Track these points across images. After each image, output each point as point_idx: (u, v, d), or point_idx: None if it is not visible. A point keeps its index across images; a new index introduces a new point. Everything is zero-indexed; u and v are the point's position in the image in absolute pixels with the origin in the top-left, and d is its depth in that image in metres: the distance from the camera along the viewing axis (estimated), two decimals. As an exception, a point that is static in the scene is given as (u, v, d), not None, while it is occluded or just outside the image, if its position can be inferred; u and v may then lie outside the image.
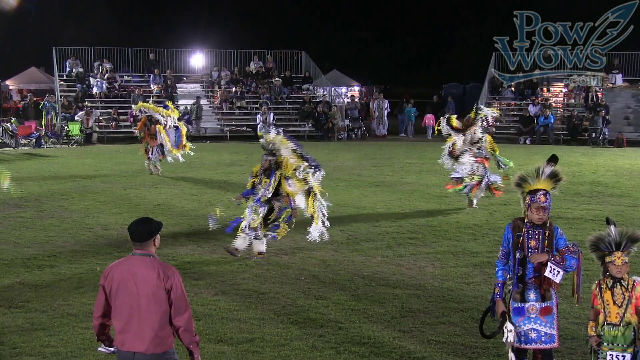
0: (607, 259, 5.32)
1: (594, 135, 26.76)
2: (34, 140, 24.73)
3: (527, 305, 5.48)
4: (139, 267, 4.52)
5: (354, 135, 29.77)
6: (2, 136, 24.61)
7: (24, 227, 11.35)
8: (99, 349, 4.88)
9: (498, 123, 29.28)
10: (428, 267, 9.25)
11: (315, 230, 9.46)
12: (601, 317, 5.26)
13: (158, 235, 4.66)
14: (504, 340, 5.50)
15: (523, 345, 5.52)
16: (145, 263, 4.54)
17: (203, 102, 30.55)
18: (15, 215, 12.28)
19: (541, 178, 5.63)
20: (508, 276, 5.57)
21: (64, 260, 9.35)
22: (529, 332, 5.48)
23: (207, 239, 10.66)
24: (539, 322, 5.48)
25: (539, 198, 5.47)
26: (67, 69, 30.17)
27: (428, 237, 10.92)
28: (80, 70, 29.95)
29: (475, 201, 13.20)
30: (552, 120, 27.58)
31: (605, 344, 5.25)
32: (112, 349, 4.70)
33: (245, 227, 9.47)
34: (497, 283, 5.61)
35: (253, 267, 9.17)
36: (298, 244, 10.38)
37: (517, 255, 5.47)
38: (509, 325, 5.42)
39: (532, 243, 5.46)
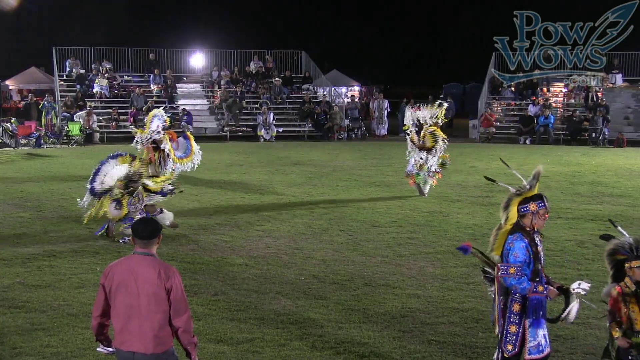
0: (634, 264, 5.17)
1: (594, 135, 26.77)
2: (34, 140, 24.72)
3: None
4: (139, 266, 4.52)
5: (354, 135, 29.76)
6: (2, 136, 24.60)
7: (24, 227, 11.35)
8: (98, 349, 4.88)
9: (498, 123, 29.39)
10: (428, 267, 9.24)
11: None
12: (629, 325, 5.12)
13: (160, 235, 4.70)
14: (570, 318, 5.37)
15: (537, 356, 5.37)
16: (147, 262, 4.54)
17: (203, 102, 30.59)
18: (15, 215, 12.28)
19: (537, 183, 5.56)
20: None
21: (64, 260, 9.35)
22: (541, 340, 5.40)
23: (207, 238, 10.67)
24: (544, 327, 5.43)
25: (546, 203, 5.36)
26: (67, 69, 30.17)
27: (428, 237, 10.91)
28: (82, 71, 29.90)
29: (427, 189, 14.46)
30: (552, 120, 27.58)
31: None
32: (111, 349, 4.70)
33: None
34: (535, 286, 5.26)
35: (253, 267, 9.18)
36: (298, 244, 10.38)
37: (539, 266, 5.34)
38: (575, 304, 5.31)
39: (539, 250, 5.40)
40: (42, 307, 7.44)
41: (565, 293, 5.39)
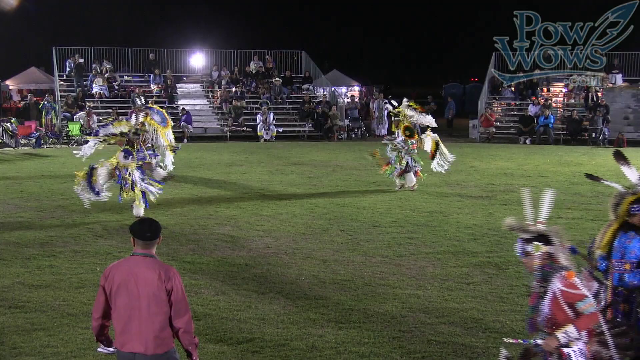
0: None
1: (594, 135, 26.77)
2: (34, 140, 24.72)
3: None
4: (140, 267, 4.52)
5: (354, 135, 29.76)
6: (2, 136, 24.60)
7: (24, 227, 11.35)
8: (99, 349, 4.88)
9: (498, 123, 29.40)
10: (428, 267, 9.24)
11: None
12: None
13: (161, 235, 4.70)
14: None
15: None
16: (147, 264, 4.53)
17: (203, 102, 30.58)
18: (15, 215, 12.28)
19: None
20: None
21: (64, 260, 9.35)
22: None
23: (207, 238, 10.67)
24: None
25: None
26: (67, 69, 30.15)
27: (428, 237, 10.91)
28: (81, 61, 29.74)
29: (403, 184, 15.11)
30: (552, 120, 27.58)
31: None
32: (111, 349, 4.70)
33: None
34: None
35: (253, 267, 9.18)
36: (298, 244, 10.38)
37: None
38: None
39: None
40: (42, 307, 7.45)
41: None
